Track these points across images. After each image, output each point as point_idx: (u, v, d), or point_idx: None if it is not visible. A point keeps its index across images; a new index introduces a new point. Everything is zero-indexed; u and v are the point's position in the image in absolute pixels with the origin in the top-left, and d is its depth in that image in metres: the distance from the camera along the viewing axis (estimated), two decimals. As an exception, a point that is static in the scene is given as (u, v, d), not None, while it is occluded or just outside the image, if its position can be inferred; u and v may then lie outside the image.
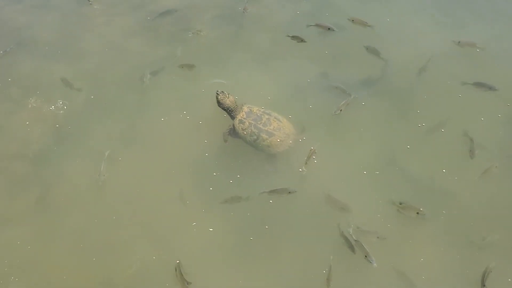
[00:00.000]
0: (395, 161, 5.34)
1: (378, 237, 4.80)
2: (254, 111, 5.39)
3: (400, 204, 4.96)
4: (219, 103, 5.58)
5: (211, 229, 4.95)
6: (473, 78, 5.89)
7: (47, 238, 4.96)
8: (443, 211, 4.97)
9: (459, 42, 6.28)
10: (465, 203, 5.05)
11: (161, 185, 5.28)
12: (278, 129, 5.29)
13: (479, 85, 5.84)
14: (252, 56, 6.40)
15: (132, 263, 4.79)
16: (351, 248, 4.71)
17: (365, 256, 4.65)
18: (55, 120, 5.78)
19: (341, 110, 5.63)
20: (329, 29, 6.45)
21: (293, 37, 6.39)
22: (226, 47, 6.53)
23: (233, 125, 5.43)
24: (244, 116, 5.36)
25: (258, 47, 6.52)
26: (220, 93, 5.55)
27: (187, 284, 4.60)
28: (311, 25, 6.56)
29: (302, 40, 6.33)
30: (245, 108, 5.42)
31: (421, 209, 4.90)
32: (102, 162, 5.32)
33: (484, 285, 4.54)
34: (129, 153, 5.50)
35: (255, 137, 5.26)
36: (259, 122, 5.29)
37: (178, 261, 4.72)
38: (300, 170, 5.26)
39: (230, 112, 5.57)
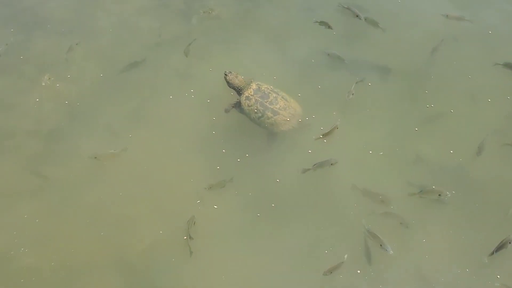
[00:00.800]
0: (403, 142, 5.31)
1: (401, 223, 4.75)
2: (262, 88, 5.37)
3: (420, 191, 4.91)
4: (228, 83, 5.57)
5: (215, 206, 4.99)
6: (484, 59, 5.84)
7: (56, 213, 5.02)
8: (453, 192, 4.93)
9: (447, 15, 6.22)
10: (472, 184, 5.04)
11: (169, 162, 5.31)
12: (284, 108, 5.27)
13: (509, 66, 5.74)
14: (261, 35, 6.36)
15: (141, 239, 4.84)
16: (368, 256, 4.67)
17: (380, 245, 4.61)
18: (65, 97, 5.83)
19: (353, 94, 5.57)
20: (357, 16, 6.33)
21: (321, 23, 6.30)
22: (236, 26, 6.50)
23: (240, 101, 5.44)
24: (252, 93, 5.34)
25: (268, 27, 6.47)
26: (229, 73, 5.54)
27: (190, 238, 4.71)
28: (343, 6, 6.45)
29: (329, 27, 6.26)
30: (254, 85, 5.41)
31: (434, 187, 4.89)
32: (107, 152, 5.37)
33: (493, 253, 4.53)
34: (138, 130, 5.53)
35: (260, 115, 5.25)
36: (265, 100, 5.27)
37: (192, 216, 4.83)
38: (310, 151, 5.26)
39: (239, 91, 5.55)
